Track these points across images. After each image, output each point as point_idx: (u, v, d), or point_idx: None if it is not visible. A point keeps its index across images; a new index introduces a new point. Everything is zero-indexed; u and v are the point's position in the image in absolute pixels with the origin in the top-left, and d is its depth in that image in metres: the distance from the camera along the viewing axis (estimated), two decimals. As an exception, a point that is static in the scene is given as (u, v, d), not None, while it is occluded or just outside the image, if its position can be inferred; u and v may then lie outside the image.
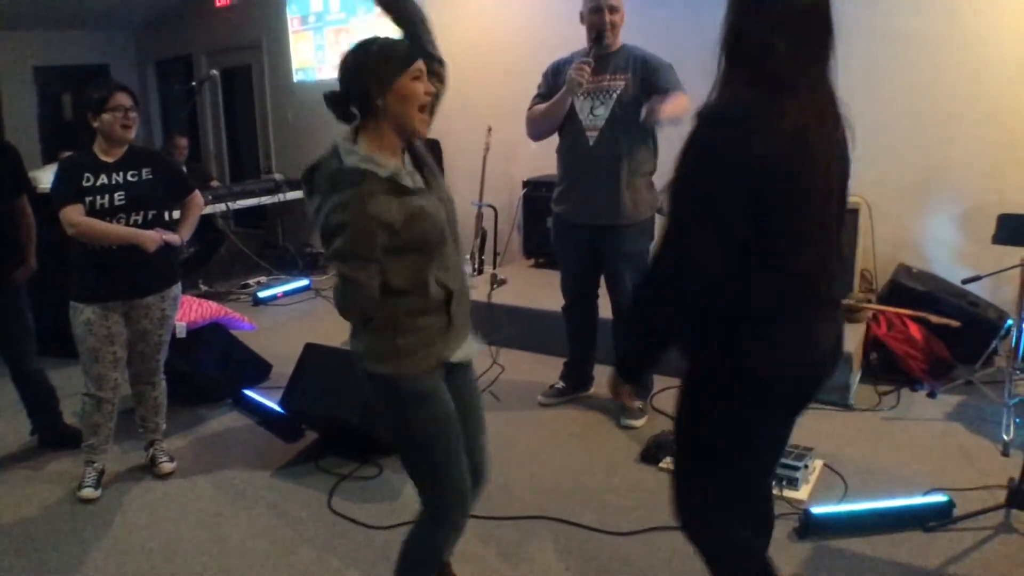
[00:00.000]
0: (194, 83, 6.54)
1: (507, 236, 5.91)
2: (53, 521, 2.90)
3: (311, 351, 3.51)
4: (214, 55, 8.08)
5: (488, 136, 5.36)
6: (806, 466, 2.95)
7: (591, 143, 3.40)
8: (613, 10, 3.31)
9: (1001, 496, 2.67)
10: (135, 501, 3.03)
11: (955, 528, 2.64)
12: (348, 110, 1.88)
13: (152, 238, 2.94)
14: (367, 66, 1.84)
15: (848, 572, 2.46)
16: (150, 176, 3.00)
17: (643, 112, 3.18)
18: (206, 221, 5.50)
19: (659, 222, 3.45)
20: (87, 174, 2.89)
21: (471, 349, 2.06)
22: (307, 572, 2.56)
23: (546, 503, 2.92)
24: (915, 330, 3.98)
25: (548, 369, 4.04)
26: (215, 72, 6.46)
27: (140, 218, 2.96)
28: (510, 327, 4.50)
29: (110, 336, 2.96)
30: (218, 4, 7.88)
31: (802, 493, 2.88)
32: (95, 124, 2.91)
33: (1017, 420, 3.30)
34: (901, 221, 4.59)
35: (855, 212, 4.34)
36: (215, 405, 3.89)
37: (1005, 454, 3.17)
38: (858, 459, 3.18)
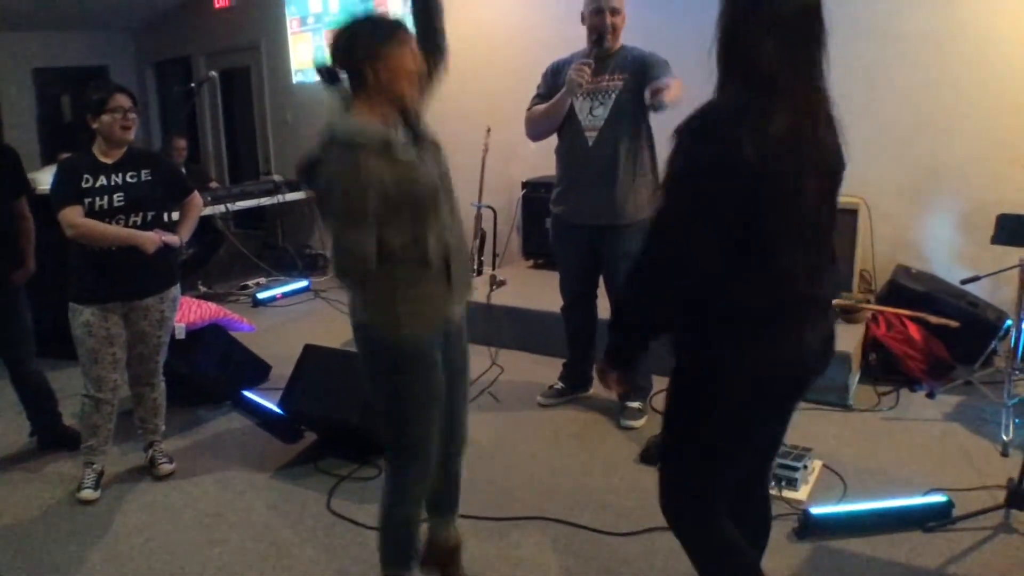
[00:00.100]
0: (193, 84, 6.54)
1: (506, 237, 5.91)
2: (52, 522, 2.89)
3: (310, 352, 3.51)
4: (213, 56, 8.08)
5: (487, 137, 5.36)
6: (805, 466, 2.95)
7: (590, 143, 3.40)
8: (614, 12, 3.31)
9: (1000, 496, 2.67)
10: (134, 502, 3.03)
11: (954, 528, 2.64)
12: (336, 76, 1.91)
13: (151, 239, 2.94)
14: (355, 38, 1.88)
15: (847, 572, 2.46)
16: (149, 177, 3.00)
17: (647, 95, 3.16)
18: (205, 222, 5.50)
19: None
20: (86, 175, 2.89)
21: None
22: (306, 572, 2.56)
23: (545, 503, 2.92)
24: (914, 330, 3.98)
25: (547, 370, 4.04)
26: (214, 73, 6.45)
27: (139, 219, 2.96)
28: (509, 328, 4.50)
29: (109, 337, 2.95)
30: (217, 5, 7.88)
31: (801, 493, 2.88)
32: (94, 125, 2.91)
33: (1016, 420, 3.30)
34: (900, 221, 4.59)
35: (854, 212, 4.35)
36: (214, 406, 3.89)
37: (1004, 454, 3.17)
38: (857, 459, 3.18)
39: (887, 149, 4.50)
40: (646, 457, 3.21)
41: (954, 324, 3.87)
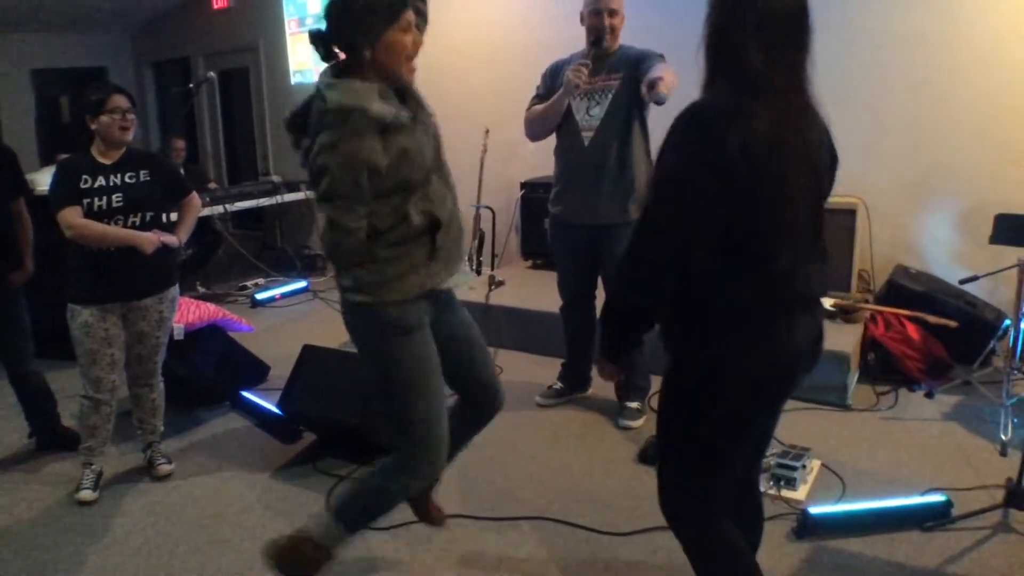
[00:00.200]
0: (192, 85, 6.54)
1: (505, 237, 5.92)
2: (51, 523, 2.89)
3: (309, 352, 3.51)
4: (211, 57, 8.09)
5: (486, 138, 5.36)
6: (804, 466, 2.95)
7: (587, 143, 3.40)
8: (613, 13, 3.32)
9: (999, 496, 2.67)
10: (133, 503, 3.03)
11: (953, 528, 2.64)
12: (332, 51, 1.88)
13: (150, 240, 2.94)
14: (354, 16, 1.82)
15: (846, 572, 2.46)
16: (148, 178, 3.00)
17: (643, 90, 3.15)
18: (204, 223, 5.51)
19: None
20: (85, 176, 2.89)
21: (457, 278, 2.07)
22: (305, 573, 2.56)
23: (544, 504, 2.92)
24: (913, 330, 3.98)
25: (546, 370, 4.05)
26: (212, 74, 6.46)
27: (138, 220, 2.96)
28: (508, 328, 4.50)
29: (108, 338, 2.95)
30: (215, 6, 7.88)
31: (800, 493, 2.89)
32: (93, 126, 2.91)
33: (1015, 420, 3.30)
34: (899, 221, 4.60)
35: (852, 212, 4.35)
36: (213, 407, 3.89)
37: (1003, 454, 3.17)
38: (856, 459, 3.18)
39: (886, 149, 4.51)
40: (645, 457, 3.21)
41: (953, 324, 3.87)
